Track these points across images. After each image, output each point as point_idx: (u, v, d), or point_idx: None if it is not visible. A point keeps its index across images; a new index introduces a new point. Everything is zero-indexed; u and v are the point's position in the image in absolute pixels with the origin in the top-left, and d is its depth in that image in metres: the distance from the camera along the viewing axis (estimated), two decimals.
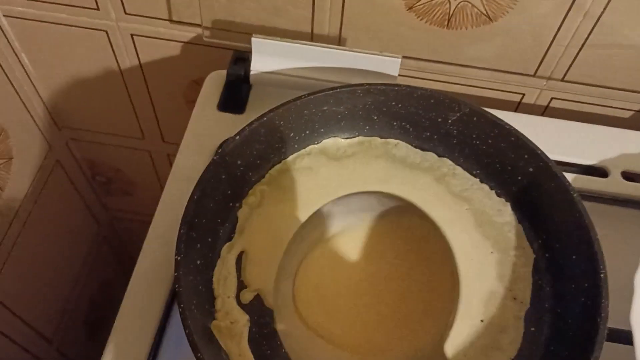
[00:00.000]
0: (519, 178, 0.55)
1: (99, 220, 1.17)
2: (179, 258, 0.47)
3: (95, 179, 1.14)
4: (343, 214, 0.57)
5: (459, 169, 0.59)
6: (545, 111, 0.76)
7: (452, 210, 0.56)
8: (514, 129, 0.55)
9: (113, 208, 1.20)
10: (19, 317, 0.89)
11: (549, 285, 0.52)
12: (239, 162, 0.55)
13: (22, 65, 0.87)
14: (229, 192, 0.55)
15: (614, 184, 0.63)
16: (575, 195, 0.51)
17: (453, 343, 0.49)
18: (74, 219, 1.08)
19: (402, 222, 0.57)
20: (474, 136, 0.57)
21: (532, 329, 0.50)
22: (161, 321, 0.54)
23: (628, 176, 0.64)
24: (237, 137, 0.53)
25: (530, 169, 0.54)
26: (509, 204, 0.56)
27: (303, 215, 0.55)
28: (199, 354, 0.43)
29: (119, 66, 0.85)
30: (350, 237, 0.57)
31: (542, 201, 0.54)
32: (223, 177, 0.53)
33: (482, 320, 0.50)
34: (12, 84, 0.85)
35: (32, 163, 0.92)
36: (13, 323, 0.89)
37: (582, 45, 0.66)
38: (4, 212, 0.84)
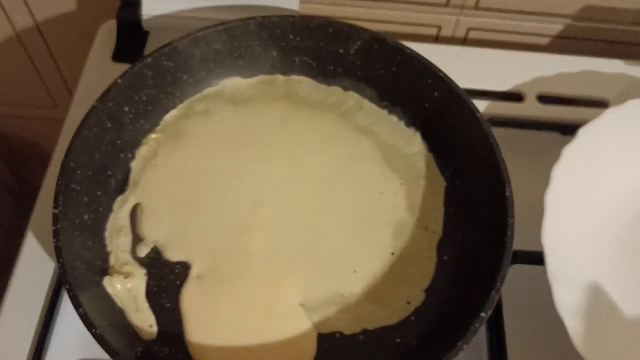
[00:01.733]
0: (426, 105, 0.53)
1: (21, 201, 1.11)
2: (56, 211, 0.43)
3: (13, 157, 1.07)
4: None
5: (365, 102, 0.56)
6: (463, 43, 0.73)
7: (357, 145, 0.53)
8: (416, 53, 0.52)
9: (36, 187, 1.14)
10: None
11: (460, 213, 0.50)
12: (126, 109, 0.51)
13: None
14: (118, 141, 0.51)
15: (530, 108, 0.61)
16: (479, 115, 0.49)
17: (362, 278, 0.47)
18: None
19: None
20: (378, 66, 0.54)
21: (445, 257, 0.49)
22: (51, 299, 0.48)
23: (544, 99, 0.62)
24: (120, 80, 0.49)
25: (436, 94, 0.52)
26: (418, 133, 0.54)
27: (202, 164, 0.52)
28: (81, 309, 0.39)
29: (14, 28, 0.79)
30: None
31: (450, 126, 0.52)
32: (108, 125, 0.49)
33: (392, 253, 0.48)
34: None
35: None
36: None
37: None
38: None
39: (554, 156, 0.49)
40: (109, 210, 0.49)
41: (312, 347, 0.45)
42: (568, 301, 0.42)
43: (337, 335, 0.45)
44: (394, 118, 0.55)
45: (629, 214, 0.50)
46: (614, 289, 0.46)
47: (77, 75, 0.62)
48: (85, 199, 0.47)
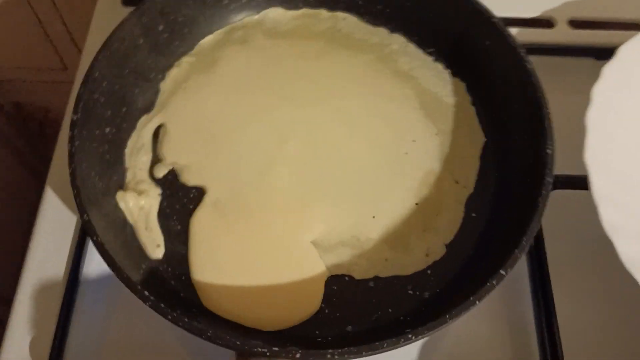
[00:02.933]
0: (475, 55, 0.49)
1: (39, 176, 1.08)
2: (75, 117, 0.42)
3: (27, 127, 1.00)
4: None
5: (411, 47, 0.52)
6: None
7: (395, 89, 0.50)
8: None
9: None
10: None
11: (495, 171, 0.47)
12: (161, 28, 0.49)
13: None
14: (149, 60, 0.49)
15: (561, 33, 0.57)
16: (528, 65, 0.45)
17: (382, 224, 0.44)
18: (9, 177, 0.93)
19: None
20: (430, 9, 0.51)
21: (473, 214, 0.45)
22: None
23: (575, 24, 0.57)
24: None
25: (487, 42, 0.48)
26: (464, 84, 0.50)
27: (232, 94, 0.50)
28: (85, 215, 0.39)
29: None
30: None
31: (498, 77, 0.48)
32: (141, 41, 0.48)
33: (416, 203, 0.45)
34: None
35: None
36: None
37: None
38: None
39: (590, 82, 0.44)
40: (132, 127, 0.48)
41: (320, 289, 0.43)
42: (616, 221, 0.37)
43: (347, 278, 0.43)
44: (439, 66, 0.51)
45: None
46: None
47: (84, 35, 0.58)
48: (109, 112, 0.46)
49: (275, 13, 0.54)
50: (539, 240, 0.44)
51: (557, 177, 0.41)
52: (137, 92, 0.49)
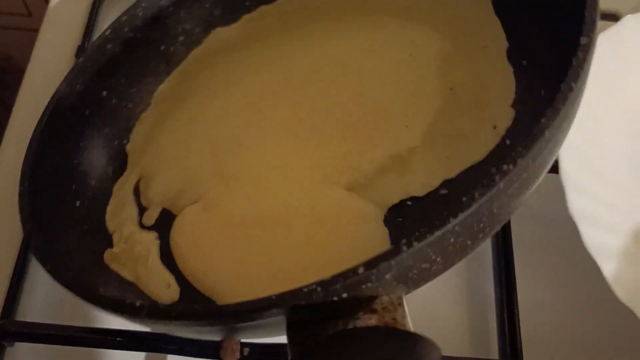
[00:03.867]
0: None
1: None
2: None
3: None
4: None
5: None
6: None
7: None
8: None
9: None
10: None
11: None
12: (104, 94, 0.44)
13: None
14: (106, 130, 0.43)
15: None
16: None
17: (419, 129, 0.33)
18: None
19: None
20: None
21: (524, 62, 0.34)
22: None
23: None
24: (81, 60, 0.43)
25: None
26: None
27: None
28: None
29: None
30: None
31: None
32: (87, 112, 0.43)
33: (451, 89, 0.35)
34: None
35: None
36: None
37: None
38: None
39: None
40: (107, 196, 0.40)
41: (382, 235, 0.31)
42: (582, 207, 0.36)
43: (409, 202, 0.31)
44: None
45: None
46: (634, 195, 0.40)
47: None
48: (74, 187, 0.39)
49: (219, 32, 0.48)
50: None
51: None
52: (104, 163, 0.42)
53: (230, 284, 0.32)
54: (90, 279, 0.32)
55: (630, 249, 0.36)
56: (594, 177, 0.38)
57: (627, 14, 0.45)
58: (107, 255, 0.35)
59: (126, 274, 0.34)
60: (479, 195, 0.22)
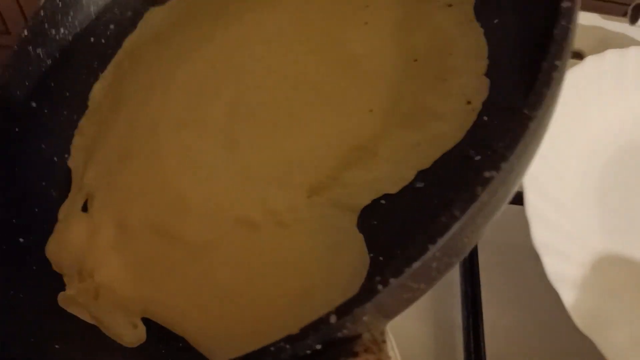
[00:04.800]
0: None
1: None
2: None
3: None
4: None
5: None
6: None
7: None
8: None
9: None
10: None
11: None
12: (34, 105, 0.39)
13: None
14: (44, 146, 0.39)
15: None
16: None
17: (384, 112, 0.29)
18: None
19: None
20: None
21: (496, 21, 0.30)
22: None
23: None
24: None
25: None
26: None
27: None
28: None
29: None
30: None
31: None
32: (17, 130, 0.38)
33: (415, 60, 0.30)
34: None
35: None
36: None
37: None
38: None
39: None
40: (53, 224, 0.37)
41: (358, 245, 0.27)
42: (545, 238, 0.38)
43: (383, 201, 0.27)
44: None
45: (608, 155, 0.47)
46: (594, 226, 0.42)
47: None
48: (14, 221, 0.35)
49: (152, 15, 0.43)
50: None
51: None
52: (45, 185, 0.38)
53: (190, 314, 0.29)
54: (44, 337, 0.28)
55: (589, 279, 0.38)
56: (557, 208, 0.41)
57: (590, 53, 0.49)
58: (61, 298, 0.32)
59: (86, 317, 0.31)
60: (460, 213, 0.19)
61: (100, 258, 0.33)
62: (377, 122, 0.29)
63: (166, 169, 0.33)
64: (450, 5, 0.31)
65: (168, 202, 0.32)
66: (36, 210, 0.37)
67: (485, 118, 0.27)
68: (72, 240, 0.35)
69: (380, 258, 0.26)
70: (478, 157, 0.26)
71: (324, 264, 0.27)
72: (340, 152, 0.29)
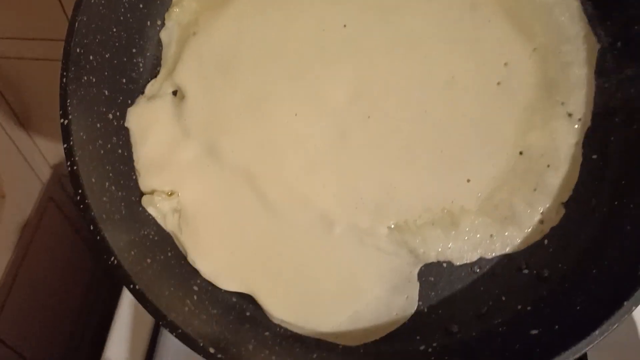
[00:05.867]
0: None
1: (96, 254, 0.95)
2: (66, 121, 0.32)
3: None
4: None
5: None
6: None
7: None
8: None
9: None
10: (22, 356, 0.74)
11: (620, 89, 0.35)
12: None
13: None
14: (141, 4, 0.37)
15: None
16: None
17: (479, 189, 0.35)
18: (70, 252, 0.88)
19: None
20: None
21: (594, 156, 0.35)
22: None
23: None
24: None
25: None
26: None
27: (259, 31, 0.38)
28: (113, 258, 0.30)
29: None
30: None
31: None
32: None
33: (521, 153, 0.35)
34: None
35: (26, 200, 0.75)
36: None
37: None
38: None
39: None
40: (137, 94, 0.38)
41: (413, 284, 0.34)
42: None
43: (445, 265, 0.35)
44: None
45: None
46: None
47: None
48: (106, 93, 0.35)
49: None
50: None
51: None
52: (135, 53, 0.38)
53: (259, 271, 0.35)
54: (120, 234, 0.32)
55: None
56: None
57: None
58: (145, 199, 0.35)
59: (164, 223, 0.35)
60: None
61: (182, 175, 0.36)
62: (473, 196, 0.35)
63: (275, 129, 0.36)
64: (570, 115, 0.35)
65: (268, 160, 0.35)
66: (124, 81, 0.37)
67: (546, 242, 0.34)
68: (157, 130, 0.37)
69: (425, 310, 0.34)
70: (526, 271, 0.34)
71: (376, 292, 0.34)
72: (433, 209, 0.34)
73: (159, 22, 0.39)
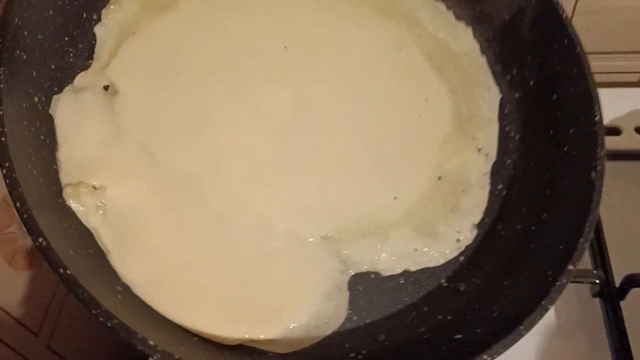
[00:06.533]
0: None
1: None
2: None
3: None
4: None
5: None
6: None
7: (397, 34, 0.41)
8: None
9: None
10: None
11: (519, 132, 0.41)
12: None
13: None
14: None
15: (628, 140, 0.57)
16: (564, 16, 0.38)
17: (405, 206, 0.37)
18: None
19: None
20: None
21: (500, 186, 0.40)
22: None
23: None
24: None
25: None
26: (469, 29, 0.43)
27: (197, 39, 0.38)
28: (41, 239, 0.27)
29: None
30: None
31: (521, 22, 0.41)
32: None
33: (439, 177, 0.39)
34: None
35: None
36: None
37: (572, 15, 0.57)
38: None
39: None
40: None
41: (343, 292, 0.35)
42: None
43: (373, 275, 0.36)
44: (441, 6, 0.43)
45: None
46: None
47: None
48: (34, 74, 0.33)
49: None
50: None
51: (628, 277, 0.44)
52: (67, 42, 0.36)
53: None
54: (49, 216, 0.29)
55: None
56: None
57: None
58: (67, 191, 0.32)
59: (85, 220, 0.32)
60: None
61: (111, 171, 0.34)
62: (398, 212, 0.37)
63: (216, 138, 0.36)
64: (479, 150, 0.40)
65: (209, 166, 0.35)
66: (52, 67, 0.35)
67: (462, 259, 0.37)
68: (85, 124, 0.34)
69: (354, 318, 0.35)
70: (445, 284, 0.37)
71: (308, 297, 0.34)
72: (364, 221, 0.36)
73: (94, 17, 0.37)
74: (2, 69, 0.29)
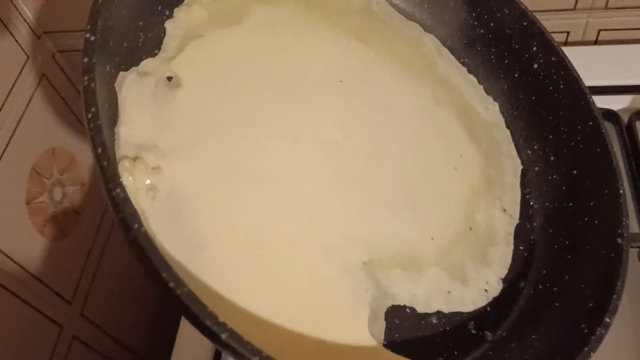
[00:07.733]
0: (518, 71, 0.46)
1: None
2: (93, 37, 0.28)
3: None
4: None
5: (445, 52, 0.47)
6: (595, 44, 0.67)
7: (438, 93, 0.44)
8: (530, 11, 0.45)
9: None
10: (109, 334, 0.68)
11: (537, 202, 0.43)
12: None
13: None
14: None
15: None
16: (590, 100, 0.42)
17: (440, 247, 0.38)
18: None
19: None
20: (474, 13, 0.46)
21: (521, 247, 0.41)
22: None
23: None
24: None
25: (540, 62, 0.45)
26: (497, 104, 0.46)
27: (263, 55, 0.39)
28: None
29: None
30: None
31: (543, 102, 0.45)
32: None
33: (470, 228, 0.40)
34: None
35: None
36: (102, 340, 0.68)
37: None
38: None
39: None
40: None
41: (381, 322, 0.34)
42: None
43: (408, 310, 0.35)
44: (473, 79, 0.47)
45: None
46: None
47: None
48: (111, 44, 0.32)
49: None
50: None
51: None
52: (141, 26, 0.35)
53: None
54: None
55: None
56: None
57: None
58: (122, 165, 0.30)
59: (135, 200, 0.30)
60: None
61: (170, 155, 0.32)
62: (434, 251, 0.37)
63: (271, 152, 0.35)
64: (504, 210, 0.42)
65: (269, 177, 0.34)
66: (125, 44, 0.34)
67: (489, 309, 0.38)
68: (144, 106, 0.33)
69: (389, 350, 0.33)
70: (474, 331, 0.36)
71: (343, 323, 0.33)
72: (402, 254, 0.36)
73: (167, 12, 0.37)
74: (100, 20, 0.28)
